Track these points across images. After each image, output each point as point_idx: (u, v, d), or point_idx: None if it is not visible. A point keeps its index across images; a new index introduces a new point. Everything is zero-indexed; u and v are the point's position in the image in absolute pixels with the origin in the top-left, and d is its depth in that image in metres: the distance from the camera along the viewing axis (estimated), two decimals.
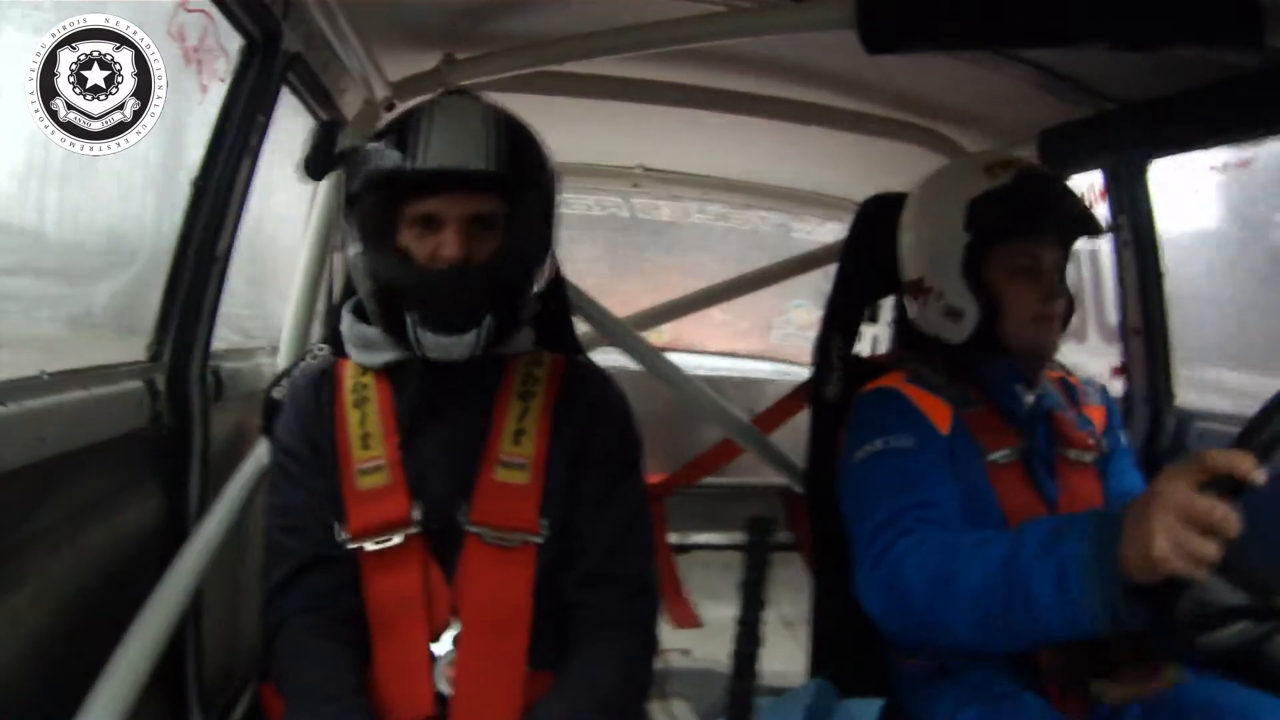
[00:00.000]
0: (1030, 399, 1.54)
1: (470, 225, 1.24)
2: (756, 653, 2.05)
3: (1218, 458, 0.97)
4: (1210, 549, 0.95)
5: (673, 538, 3.05)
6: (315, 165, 1.36)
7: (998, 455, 1.48)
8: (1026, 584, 1.10)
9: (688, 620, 2.81)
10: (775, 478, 2.89)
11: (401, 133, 1.26)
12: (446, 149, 1.23)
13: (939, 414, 1.48)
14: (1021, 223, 1.49)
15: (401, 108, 1.75)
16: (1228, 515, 0.95)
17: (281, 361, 2.04)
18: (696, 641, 2.69)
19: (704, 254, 4.07)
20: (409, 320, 1.24)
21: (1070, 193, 1.56)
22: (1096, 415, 1.64)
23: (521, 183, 1.28)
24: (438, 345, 1.25)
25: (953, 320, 1.53)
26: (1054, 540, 1.10)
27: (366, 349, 1.35)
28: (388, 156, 1.25)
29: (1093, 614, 1.05)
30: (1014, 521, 1.43)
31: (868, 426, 1.49)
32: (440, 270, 1.23)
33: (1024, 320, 1.49)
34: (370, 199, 1.27)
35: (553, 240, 1.35)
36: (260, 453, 1.61)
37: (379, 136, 1.30)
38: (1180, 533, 0.96)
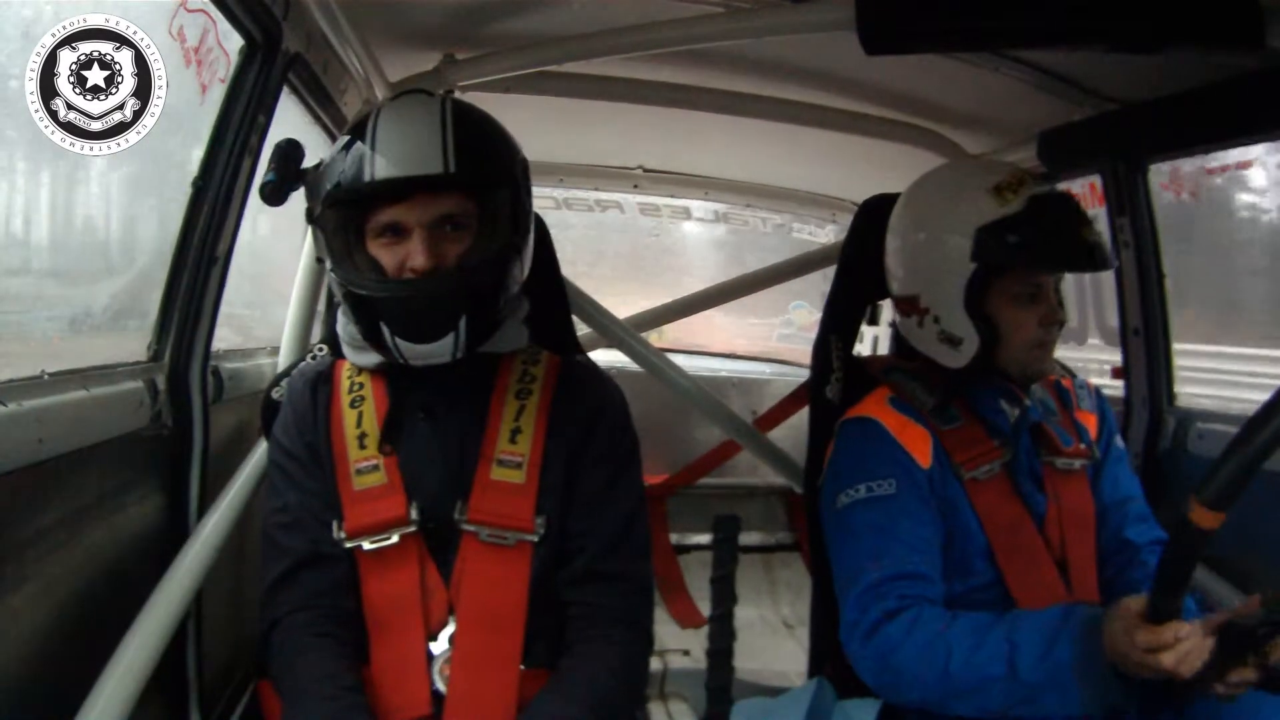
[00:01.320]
0: (1015, 412, 1.53)
1: (437, 229, 1.22)
2: (732, 647, 2.06)
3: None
4: (1194, 663, 1.13)
5: (673, 538, 3.06)
6: (276, 189, 1.29)
7: (977, 473, 1.47)
8: (1027, 687, 1.25)
9: (693, 618, 2.82)
10: (775, 478, 2.90)
11: (354, 143, 1.23)
12: (398, 157, 1.20)
13: (919, 445, 1.47)
14: (1035, 258, 1.44)
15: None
16: (1176, 642, 1.13)
17: (282, 362, 2.05)
18: (696, 641, 2.70)
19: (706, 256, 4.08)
20: (385, 331, 1.23)
21: (1082, 219, 1.47)
22: (1090, 421, 1.62)
23: (485, 179, 1.26)
24: (416, 353, 1.25)
25: (950, 346, 1.49)
26: (1049, 646, 1.24)
27: (361, 350, 1.35)
28: (342, 171, 1.22)
29: (1091, 707, 1.22)
30: (998, 540, 1.45)
31: (850, 466, 1.50)
32: (409, 281, 1.21)
33: (1023, 347, 1.47)
34: (332, 215, 1.25)
35: (529, 231, 1.32)
36: (260, 453, 1.61)
37: (340, 148, 1.26)
38: (1163, 665, 1.13)
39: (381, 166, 1.20)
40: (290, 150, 1.31)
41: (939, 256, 1.48)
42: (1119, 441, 1.65)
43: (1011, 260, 1.43)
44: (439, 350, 1.24)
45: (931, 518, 1.44)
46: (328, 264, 1.28)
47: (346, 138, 1.26)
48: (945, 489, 1.46)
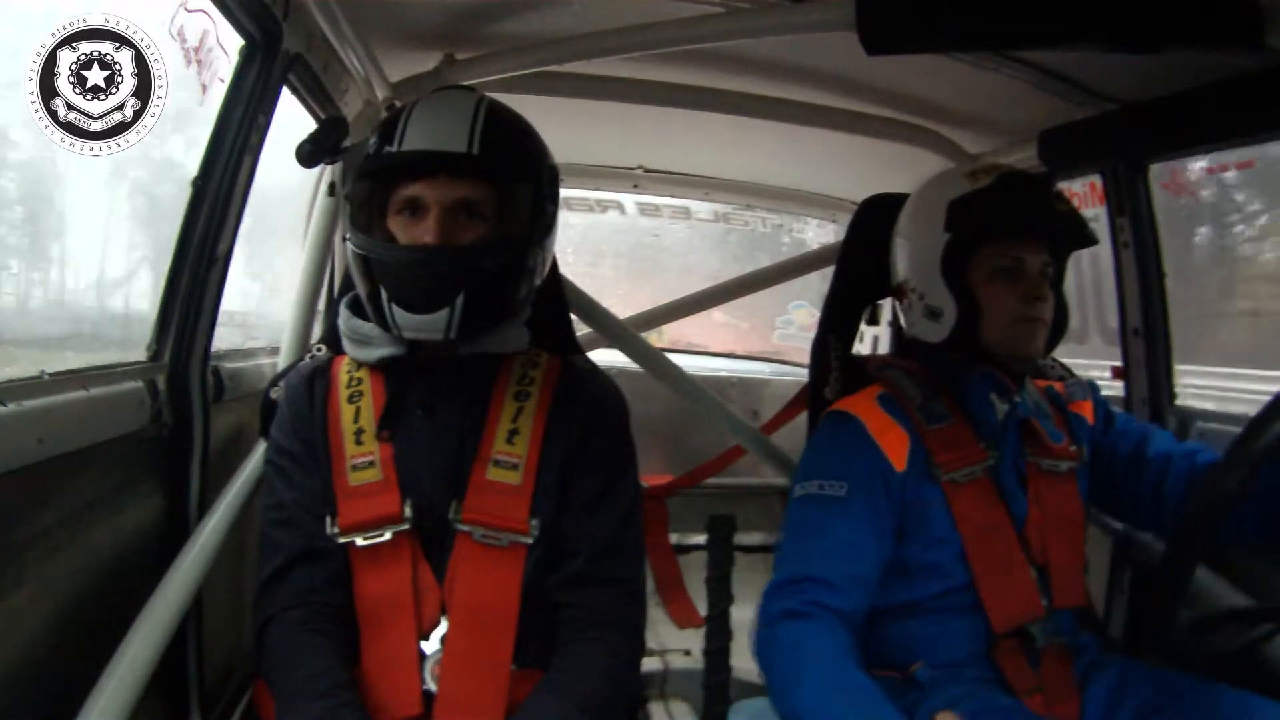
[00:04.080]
0: (1004, 408, 1.53)
1: (454, 212, 1.25)
2: (728, 646, 2.06)
3: None
4: None
5: (673, 538, 3.06)
6: (311, 154, 1.39)
7: (957, 474, 1.47)
8: None
9: (691, 619, 2.82)
10: (776, 478, 2.89)
11: (391, 123, 1.29)
12: (426, 134, 1.26)
13: (896, 447, 1.47)
14: (999, 222, 1.48)
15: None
16: None
17: (282, 362, 2.04)
18: (697, 642, 2.69)
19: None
20: (383, 297, 1.26)
21: (1055, 196, 1.53)
22: (1085, 408, 1.63)
23: (509, 172, 1.29)
24: (409, 323, 1.26)
25: (932, 320, 1.53)
26: None
27: (362, 344, 1.36)
28: (374, 145, 1.29)
29: None
30: (972, 543, 1.45)
31: (815, 459, 1.52)
32: (414, 247, 1.25)
33: (1004, 322, 1.48)
34: (360, 187, 1.30)
35: (550, 236, 1.34)
36: (260, 453, 1.60)
37: (376, 130, 1.33)
38: None
39: (409, 140, 1.26)
40: (335, 125, 1.39)
41: (922, 237, 1.55)
42: (1120, 416, 1.65)
43: (979, 226, 1.49)
44: (432, 324, 1.25)
45: (876, 528, 1.43)
46: (347, 235, 1.31)
47: (388, 119, 1.33)
48: (919, 493, 1.46)
